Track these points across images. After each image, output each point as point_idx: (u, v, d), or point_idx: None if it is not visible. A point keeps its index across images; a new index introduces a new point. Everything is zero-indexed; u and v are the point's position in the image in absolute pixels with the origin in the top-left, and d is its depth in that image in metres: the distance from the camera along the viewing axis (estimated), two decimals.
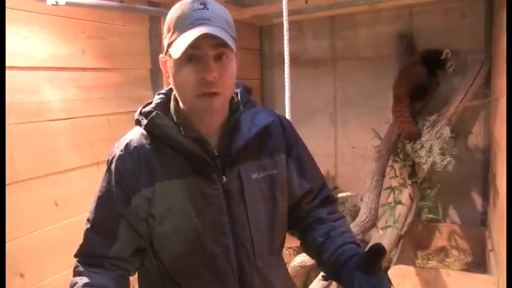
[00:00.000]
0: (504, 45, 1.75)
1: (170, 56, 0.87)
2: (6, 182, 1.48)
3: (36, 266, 1.61)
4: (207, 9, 0.86)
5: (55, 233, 1.67)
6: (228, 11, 0.92)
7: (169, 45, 0.87)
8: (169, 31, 0.88)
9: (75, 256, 0.96)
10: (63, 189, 1.72)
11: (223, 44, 0.85)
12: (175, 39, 0.85)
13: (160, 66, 0.94)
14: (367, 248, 0.88)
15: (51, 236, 1.66)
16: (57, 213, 1.70)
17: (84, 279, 0.90)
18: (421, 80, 2.56)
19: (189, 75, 0.86)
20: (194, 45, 0.82)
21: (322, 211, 1.05)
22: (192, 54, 0.84)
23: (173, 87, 0.93)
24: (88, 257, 0.94)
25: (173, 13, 0.88)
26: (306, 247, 1.07)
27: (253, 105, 1.01)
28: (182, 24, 0.85)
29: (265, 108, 1.05)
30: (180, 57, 0.84)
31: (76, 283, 0.90)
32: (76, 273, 0.93)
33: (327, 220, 1.03)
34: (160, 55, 0.93)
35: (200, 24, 0.83)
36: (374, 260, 0.84)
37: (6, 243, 1.47)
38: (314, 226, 1.03)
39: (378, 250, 0.83)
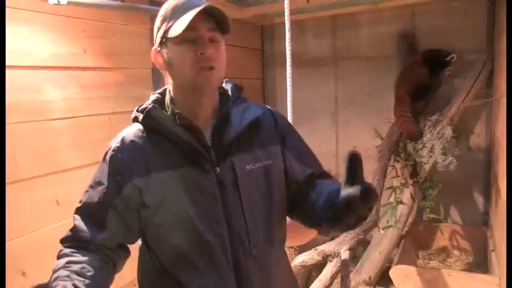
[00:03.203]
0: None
1: (165, 43, 0.93)
2: (9, 181, 1.48)
3: (38, 265, 1.61)
4: None
5: (57, 231, 1.66)
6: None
7: (166, 31, 0.92)
8: (164, 20, 0.93)
9: (61, 241, 0.97)
10: (64, 188, 1.73)
11: (216, 28, 0.92)
12: (173, 24, 0.90)
13: (152, 58, 0.98)
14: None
15: (53, 235, 1.65)
16: (58, 212, 1.70)
17: (67, 259, 0.91)
18: (423, 79, 2.55)
19: (188, 52, 0.90)
20: (191, 27, 0.87)
21: (317, 181, 1.04)
22: (188, 37, 0.89)
23: (169, 72, 0.96)
24: (74, 241, 0.95)
25: (168, 4, 0.94)
26: (299, 213, 1.05)
27: (244, 101, 1.04)
28: (180, 10, 0.91)
29: (255, 103, 1.08)
30: (177, 40, 0.90)
31: (58, 264, 0.91)
32: (60, 256, 0.94)
33: (320, 183, 1.02)
34: (153, 47, 0.97)
35: (198, 7, 0.89)
36: (354, 168, 0.80)
37: (8, 242, 1.48)
38: (308, 191, 1.02)
39: (353, 156, 0.79)
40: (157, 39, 0.95)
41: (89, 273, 0.89)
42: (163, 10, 0.94)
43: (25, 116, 1.57)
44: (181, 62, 0.92)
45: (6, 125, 1.46)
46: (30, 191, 1.59)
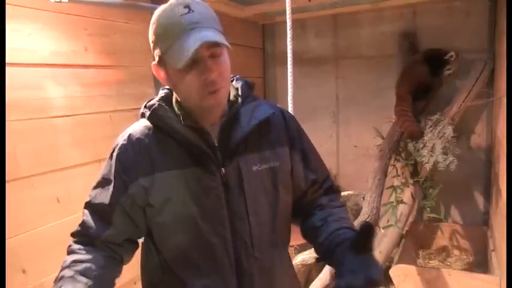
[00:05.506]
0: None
1: (163, 63, 0.90)
2: (9, 179, 1.48)
3: (39, 262, 1.61)
4: (192, 11, 0.86)
5: (57, 229, 1.68)
6: (208, 5, 0.92)
7: (164, 53, 0.88)
8: (158, 39, 0.89)
9: (72, 235, 1.01)
10: (65, 186, 1.73)
11: (216, 44, 0.86)
12: (169, 47, 0.86)
13: (154, 72, 0.95)
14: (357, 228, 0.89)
15: (54, 232, 1.66)
16: (59, 210, 1.70)
17: (74, 257, 0.95)
18: (424, 79, 2.55)
19: (192, 80, 0.88)
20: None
21: (324, 199, 1.08)
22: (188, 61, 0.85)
23: (176, 93, 0.95)
24: (82, 236, 0.99)
25: (159, 20, 0.89)
26: (304, 232, 1.09)
27: (254, 99, 1.02)
28: (173, 32, 0.85)
29: (266, 102, 1.05)
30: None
31: (66, 261, 0.95)
32: (68, 252, 0.98)
33: (327, 206, 1.06)
34: (153, 62, 0.94)
35: (192, 29, 0.84)
36: (364, 239, 0.86)
37: (8, 240, 1.48)
38: (314, 212, 1.06)
39: (368, 228, 0.85)
40: (154, 55, 0.92)
41: (93, 273, 0.92)
42: (156, 25, 0.89)
43: (26, 114, 1.57)
44: (185, 87, 0.89)
45: (6, 122, 1.46)
46: (30, 188, 1.59)
